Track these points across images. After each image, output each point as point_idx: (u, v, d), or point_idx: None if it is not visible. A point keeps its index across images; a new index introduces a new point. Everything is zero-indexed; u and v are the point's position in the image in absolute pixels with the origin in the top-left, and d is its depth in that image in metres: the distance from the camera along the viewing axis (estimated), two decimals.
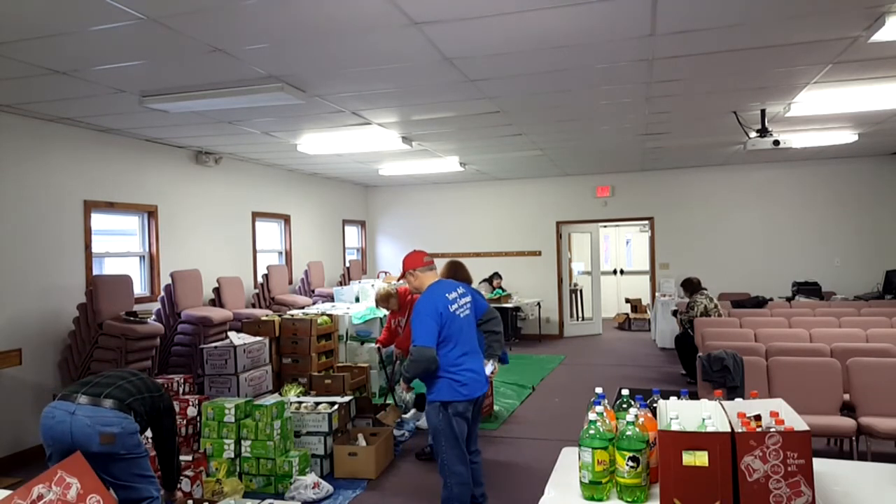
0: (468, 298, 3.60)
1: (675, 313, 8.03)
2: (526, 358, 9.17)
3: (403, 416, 5.86)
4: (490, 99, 5.24)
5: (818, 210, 9.77)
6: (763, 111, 5.91)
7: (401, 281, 4.91)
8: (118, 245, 6.60)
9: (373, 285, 8.27)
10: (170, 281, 6.46)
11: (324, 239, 10.42)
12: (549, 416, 6.14)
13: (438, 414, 3.41)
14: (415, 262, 3.65)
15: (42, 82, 4.36)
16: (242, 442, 4.43)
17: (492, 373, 3.68)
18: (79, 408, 2.90)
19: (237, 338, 5.66)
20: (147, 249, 6.74)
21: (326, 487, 4.32)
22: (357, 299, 8.15)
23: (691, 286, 7.55)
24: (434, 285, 3.56)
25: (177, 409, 4.64)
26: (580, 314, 11.83)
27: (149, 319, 5.70)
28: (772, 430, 1.79)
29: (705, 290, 7.54)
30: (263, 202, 8.76)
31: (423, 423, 5.76)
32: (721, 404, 2.08)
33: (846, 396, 4.49)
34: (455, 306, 3.47)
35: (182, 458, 4.33)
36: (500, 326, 3.77)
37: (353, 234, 11.71)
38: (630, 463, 1.89)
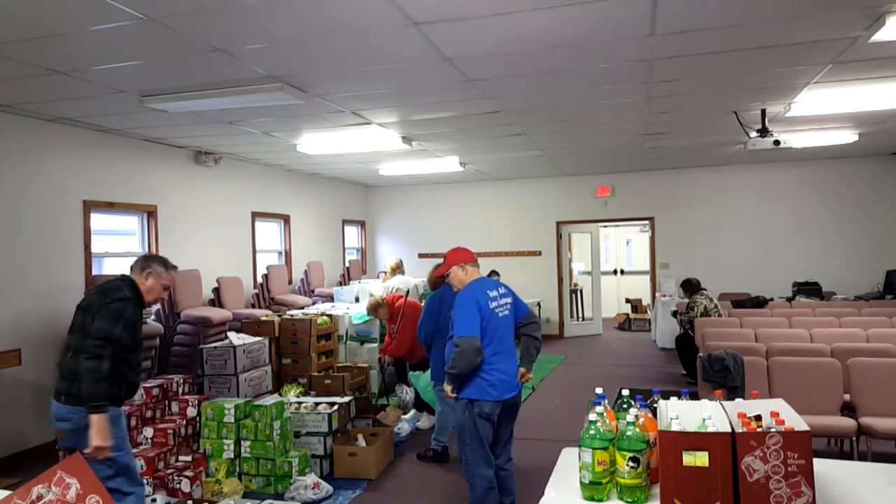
0: (509, 299, 3.54)
1: (675, 314, 8.03)
2: None
3: (403, 415, 5.86)
4: (490, 99, 5.24)
5: (818, 210, 9.77)
6: (763, 111, 5.90)
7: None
8: (118, 245, 6.60)
9: (373, 286, 8.27)
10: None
11: (324, 239, 10.42)
12: (549, 416, 6.14)
13: (465, 412, 3.36)
14: (467, 257, 3.63)
15: (42, 82, 4.35)
16: (242, 442, 4.42)
17: (524, 377, 3.59)
18: (51, 402, 2.98)
19: (237, 338, 5.66)
20: (147, 249, 6.73)
21: (326, 488, 4.32)
22: (357, 299, 8.15)
23: (691, 286, 7.55)
24: (477, 281, 3.54)
25: (175, 408, 4.65)
26: (580, 314, 11.83)
27: (148, 319, 5.70)
28: (772, 430, 1.79)
29: (705, 290, 7.54)
30: (263, 202, 8.76)
31: (423, 423, 5.76)
32: (721, 404, 2.08)
33: (846, 396, 4.49)
34: (495, 304, 3.43)
35: (182, 458, 4.33)
36: (540, 332, 3.71)
37: (352, 234, 11.71)
38: (630, 463, 1.89)
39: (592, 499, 1.94)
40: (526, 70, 4.43)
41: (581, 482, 1.97)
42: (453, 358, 3.30)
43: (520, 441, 5.25)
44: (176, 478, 4.06)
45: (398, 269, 7.53)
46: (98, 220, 6.13)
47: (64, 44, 3.60)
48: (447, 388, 3.45)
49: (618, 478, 1.93)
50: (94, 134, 6.02)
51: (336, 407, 4.88)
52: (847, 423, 4.24)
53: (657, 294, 10.30)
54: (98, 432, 2.79)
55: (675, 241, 10.45)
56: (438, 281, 4.89)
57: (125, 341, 2.95)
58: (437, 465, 4.89)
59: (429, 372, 5.24)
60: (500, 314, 3.45)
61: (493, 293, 3.46)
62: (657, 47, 4.01)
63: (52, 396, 2.97)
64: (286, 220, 9.35)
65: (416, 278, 7.97)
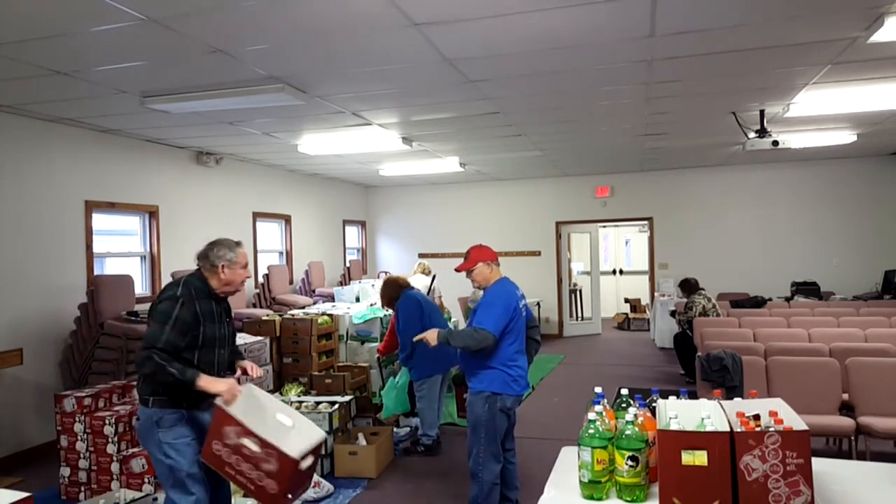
0: (524, 301, 3.64)
1: (673, 314, 8.04)
2: None
3: (404, 414, 5.86)
4: (490, 100, 5.25)
5: (817, 210, 9.78)
6: (762, 112, 5.91)
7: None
8: (119, 245, 6.61)
9: (373, 285, 8.27)
10: (170, 280, 6.46)
11: (324, 239, 10.43)
12: (548, 416, 6.15)
13: (484, 405, 3.40)
14: (492, 255, 3.65)
15: (43, 83, 4.36)
16: None
17: None
18: None
19: (238, 338, 5.67)
20: (148, 249, 6.75)
21: (327, 486, 4.33)
22: (357, 299, 8.14)
23: (689, 286, 7.56)
24: (506, 280, 3.61)
25: None
26: (580, 314, 11.84)
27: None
28: (771, 429, 1.80)
29: (703, 290, 7.54)
30: (264, 202, 8.77)
31: None
32: (720, 404, 2.09)
33: (845, 396, 4.50)
34: (521, 304, 3.53)
35: None
36: (540, 335, 3.84)
37: (353, 235, 11.72)
38: (629, 462, 1.90)
39: (592, 497, 1.95)
40: (526, 71, 4.44)
41: (580, 481, 1.98)
42: (463, 335, 3.39)
43: (519, 440, 5.25)
44: None
45: (423, 271, 7.59)
46: (99, 220, 6.13)
47: (65, 44, 3.62)
48: (432, 339, 3.48)
49: (617, 477, 1.94)
50: (95, 134, 6.03)
51: (337, 406, 4.89)
52: (845, 422, 4.25)
53: (656, 294, 10.30)
54: (206, 385, 2.66)
55: (674, 242, 10.46)
56: (395, 294, 5.10)
57: (178, 343, 2.72)
58: (438, 463, 4.90)
59: (396, 390, 5.24)
60: (523, 314, 3.55)
61: (519, 293, 3.57)
62: (656, 48, 4.02)
63: None
64: (287, 220, 9.36)
65: (427, 278, 7.89)
